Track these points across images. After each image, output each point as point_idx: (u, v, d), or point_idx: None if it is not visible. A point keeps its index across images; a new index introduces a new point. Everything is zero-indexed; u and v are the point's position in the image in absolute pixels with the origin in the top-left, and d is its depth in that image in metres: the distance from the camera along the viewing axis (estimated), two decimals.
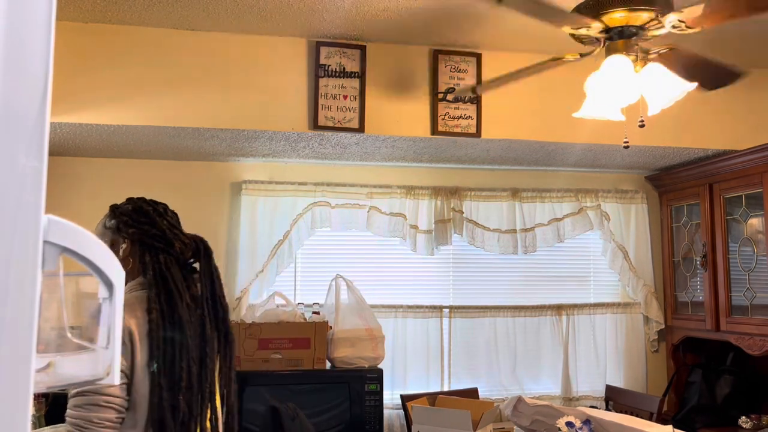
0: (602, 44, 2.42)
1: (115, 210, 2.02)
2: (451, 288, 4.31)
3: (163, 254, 1.90)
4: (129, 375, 1.76)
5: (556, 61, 2.56)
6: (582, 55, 2.52)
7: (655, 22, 2.31)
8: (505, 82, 2.83)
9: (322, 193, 4.08)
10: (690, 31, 2.27)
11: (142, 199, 2.05)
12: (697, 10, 2.14)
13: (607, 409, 4.08)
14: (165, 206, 2.06)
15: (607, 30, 2.34)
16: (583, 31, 2.33)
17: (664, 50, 2.45)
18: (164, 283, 1.85)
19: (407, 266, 4.23)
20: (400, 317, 4.13)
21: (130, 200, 2.04)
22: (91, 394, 1.71)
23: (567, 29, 2.33)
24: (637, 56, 2.36)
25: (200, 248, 1.98)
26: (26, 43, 0.53)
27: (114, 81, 3.16)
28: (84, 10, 3.02)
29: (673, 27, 2.28)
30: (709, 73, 2.51)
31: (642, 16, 2.30)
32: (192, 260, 1.97)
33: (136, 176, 3.97)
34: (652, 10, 2.28)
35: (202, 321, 1.88)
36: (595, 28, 2.32)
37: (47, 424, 2.26)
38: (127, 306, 1.80)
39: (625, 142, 2.57)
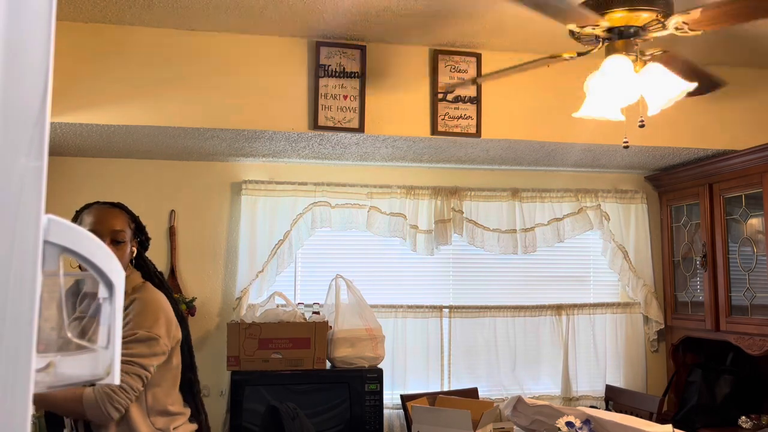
0: (601, 44, 2.42)
1: (131, 212, 2.27)
2: (451, 288, 4.31)
3: (144, 252, 2.31)
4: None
5: (554, 58, 2.56)
6: (579, 54, 2.52)
7: (657, 23, 2.31)
8: (503, 75, 2.84)
9: (322, 193, 4.08)
10: (692, 33, 2.28)
11: None
12: (699, 12, 2.14)
13: (607, 409, 4.08)
14: None
15: (608, 29, 2.34)
16: (588, 30, 2.32)
17: (659, 52, 2.46)
18: (162, 280, 2.32)
19: (407, 266, 4.23)
20: (400, 317, 4.13)
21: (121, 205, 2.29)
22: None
23: (572, 26, 2.33)
24: (637, 56, 2.36)
25: None
26: (26, 43, 0.53)
27: (114, 81, 3.16)
28: (84, 10, 3.02)
29: (676, 29, 2.28)
30: (698, 79, 2.53)
31: (642, 16, 2.30)
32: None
33: (136, 176, 3.97)
34: (653, 10, 2.28)
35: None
36: (596, 26, 2.32)
37: (47, 424, 2.26)
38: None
39: (625, 142, 2.57)
